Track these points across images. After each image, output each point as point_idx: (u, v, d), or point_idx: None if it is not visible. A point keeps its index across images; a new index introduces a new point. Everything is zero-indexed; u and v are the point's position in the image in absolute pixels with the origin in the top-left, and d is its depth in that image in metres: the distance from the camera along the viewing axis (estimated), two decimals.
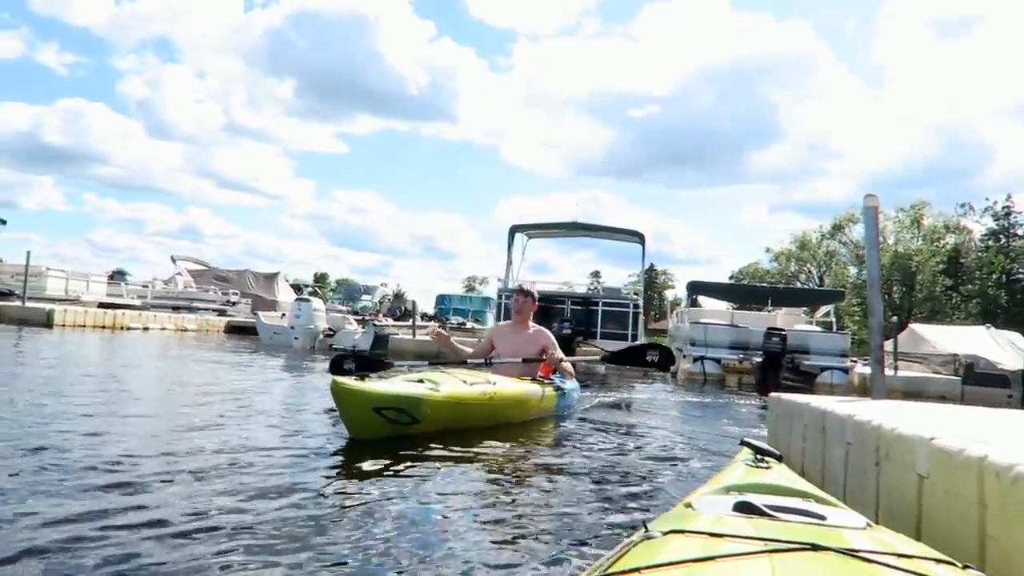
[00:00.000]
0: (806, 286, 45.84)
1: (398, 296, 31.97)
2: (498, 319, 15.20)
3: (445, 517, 2.45)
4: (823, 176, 70.58)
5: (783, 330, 13.02)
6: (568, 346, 13.53)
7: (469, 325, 27.46)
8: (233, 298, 25.45)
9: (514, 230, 16.60)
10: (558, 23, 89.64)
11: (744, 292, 22.47)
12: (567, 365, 5.57)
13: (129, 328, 17.79)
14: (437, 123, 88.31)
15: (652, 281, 59.12)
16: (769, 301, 17.40)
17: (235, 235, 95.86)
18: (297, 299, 15.64)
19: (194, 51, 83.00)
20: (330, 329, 14.89)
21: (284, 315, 18.81)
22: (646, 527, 1.21)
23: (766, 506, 1.35)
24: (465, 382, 4.20)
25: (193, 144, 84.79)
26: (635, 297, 15.45)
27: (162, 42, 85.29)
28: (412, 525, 2.30)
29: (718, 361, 13.34)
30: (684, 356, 14.25)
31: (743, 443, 2.09)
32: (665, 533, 1.15)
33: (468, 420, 4.15)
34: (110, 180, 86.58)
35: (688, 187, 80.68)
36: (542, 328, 5.65)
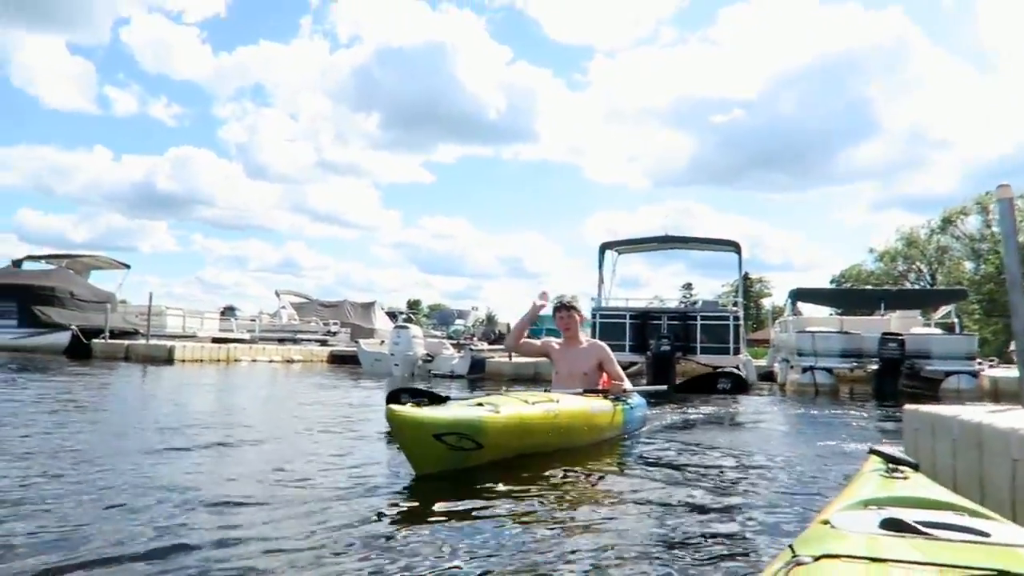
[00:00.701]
0: (917, 285, 43.23)
1: (490, 319, 32.20)
2: (593, 338, 14.99)
3: (537, 555, 2.23)
4: (928, 168, 66.59)
5: (900, 334, 12.26)
6: (667, 363, 13.22)
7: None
8: (334, 328, 26.35)
9: (604, 247, 16.42)
10: (634, 35, 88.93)
11: (853, 296, 21.35)
12: (627, 384, 5.25)
13: (239, 361, 18.68)
14: (517, 145, 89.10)
15: (747, 290, 57.19)
16: (882, 305, 16.44)
17: (329, 266, 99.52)
18: (396, 327, 15.96)
19: (285, 94, 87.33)
20: (428, 355, 15.11)
21: (383, 342, 19.31)
22: (793, 550, 1.12)
23: (917, 522, 1.23)
24: (527, 402, 4.02)
25: (288, 182, 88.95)
26: (734, 309, 14.93)
27: (257, 88, 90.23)
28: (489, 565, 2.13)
29: (830, 371, 12.68)
30: (792, 367, 13.63)
31: (872, 451, 1.94)
32: (817, 558, 1.06)
33: (534, 443, 3.95)
34: (215, 221, 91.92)
35: (780, 191, 77.81)
36: (596, 341, 5.47)
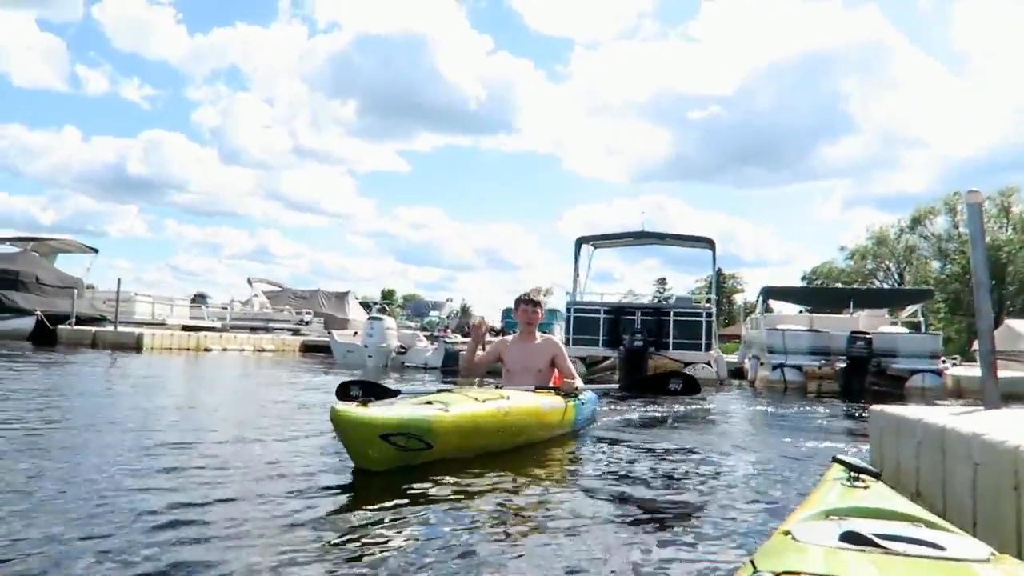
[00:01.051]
0: (885, 284, 44.04)
1: (464, 311, 32.16)
2: (568, 332, 15.07)
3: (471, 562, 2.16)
4: (901, 168, 67.84)
5: (868, 333, 12.48)
6: (640, 358, 13.32)
7: None
8: (307, 317, 26.11)
9: (580, 241, 16.48)
10: (615, 28, 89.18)
11: (823, 295, 21.72)
12: (578, 381, 5.18)
13: (210, 349, 18.44)
14: (497, 136, 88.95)
15: (720, 286, 57.86)
16: (851, 303, 16.72)
17: (304, 255, 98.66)
18: (369, 317, 15.86)
19: (262, 79, 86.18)
20: (402, 347, 15.04)
21: (356, 333, 19.17)
22: (754, 565, 1.15)
23: (874, 534, 1.28)
24: (477, 399, 3.93)
25: (263, 168, 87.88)
26: (707, 305, 15.09)
27: (232, 71, 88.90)
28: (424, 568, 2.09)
29: (799, 368, 12.88)
30: (762, 364, 13.81)
31: (835, 460, 1.99)
32: (779, 574, 1.09)
33: (484, 442, 3.87)
34: (188, 206, 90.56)
35: (756, 187, 78.71)
36: (550, 337, 5.47)
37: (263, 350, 19.86)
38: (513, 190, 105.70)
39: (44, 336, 17.04)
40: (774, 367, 12.91)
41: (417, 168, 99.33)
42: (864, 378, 11.96)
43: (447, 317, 32.90)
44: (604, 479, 3.64)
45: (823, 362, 13.03)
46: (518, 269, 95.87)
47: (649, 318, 14.45)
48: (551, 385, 4.99)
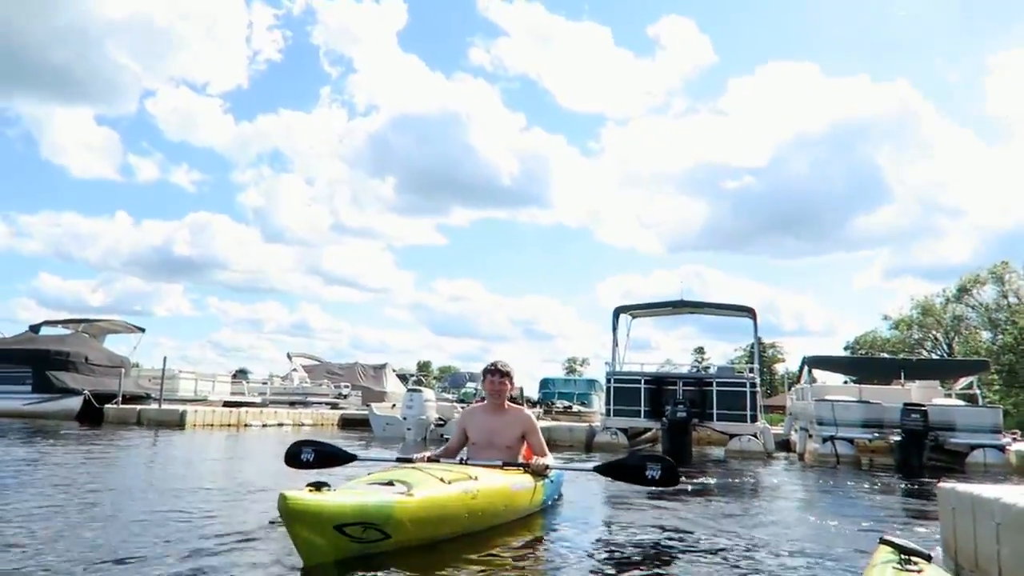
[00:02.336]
0: (934, 354, 42.65)
1: None
2: (608, 403, 14.85)
3: None
4: (941, 236, 66.54)
5: (923, 405, 12.01)
6: (683, 430, 12.99)
7: (575, 408, 27.01)
8: (345, 391, 26.20)
9: (619, 311, 16.41)
10: (645, 104, 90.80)
11: (871, 365, 21.03)
12: (549, 460, 4.74)
13: (250, 425, 18.50)
14: (531, 209, 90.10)
15: (761, 355, 56.69)
16: (902, 374, 16.18)
17: (343, 329, 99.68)
18: (408, 390, 15.83)
19: (304, 160, 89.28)
20: (441, 419, 14.93)
21: (394, 405, 19.13)
22: None
23: None
24: (443, 480, 3.58)
25: (304, 245, 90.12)
26: (751, 375, 14.75)
27: (275, 154, 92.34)
28: None
29: (851, 441, 12.40)
30: (811, 436, 13.35)
31: (883, 541, 1.84)
32: None
33: (448, 528, 3.53)
34: (231, 284, 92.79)
35: (793, 256, 77.87)
36: (521, 408, 5.03)
37: (302, 424, 19.86)
38: (548, 262, 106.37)
39: (91, 415, 17.31)
40: (824, 439, 12.45)
41: (454, 242, 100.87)
42: (922, 453, 11.45)
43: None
44: (586, 566, 3.33)
45: (876, 435, 12.53)
46: (554, 339, 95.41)
47: (692, 388, 14.17)
48: (520, 461, 4.59)
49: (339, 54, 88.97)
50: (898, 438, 11.71)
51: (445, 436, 14.42)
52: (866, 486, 8.16)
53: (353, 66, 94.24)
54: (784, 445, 15.66)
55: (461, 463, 4.26)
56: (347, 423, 20.76)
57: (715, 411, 13.96)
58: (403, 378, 33.21)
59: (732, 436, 13.63)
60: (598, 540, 3.90)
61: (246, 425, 18.36)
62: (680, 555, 3.61)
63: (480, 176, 77.27)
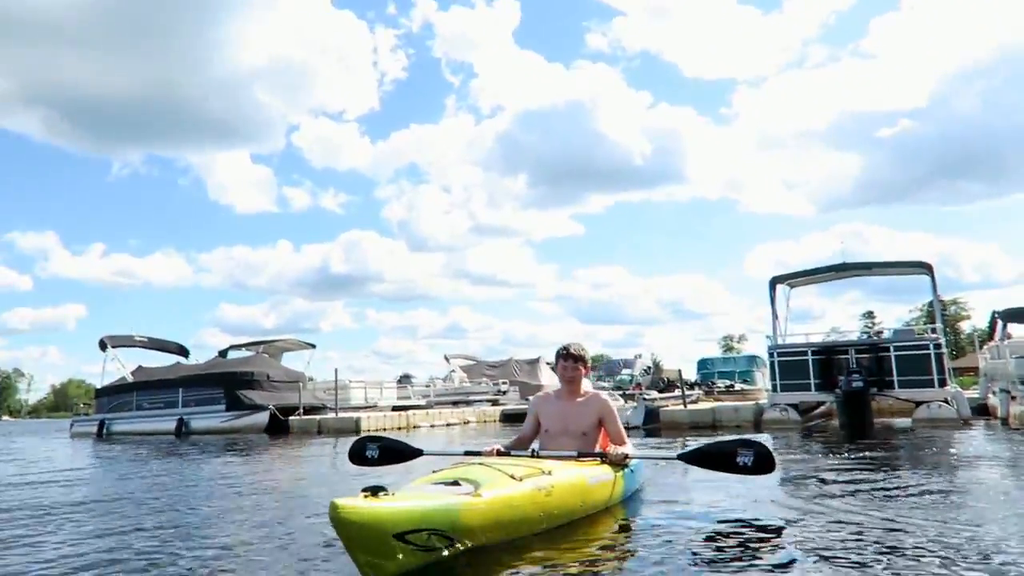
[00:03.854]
0: None
1: (656, 366, 31.44)
2: (773, 379, 14.15)
3: None
4: None
5: None
6: (861, 401, 12.11)
7: (738, 387, 26.05)
8: (503, 387, 26.85)
9: (775, 281, 15.57)
10: (779, 60, 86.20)
11: None
12: (628, 448, 4.37)
13: (418, 427, 19.40)
14: (667, 187, 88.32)
15: (942, 313, 51.87)
16: None
17: (493, 326, 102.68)
18: None
19: (438, 169, 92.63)
20: None
21: None
22: None
23: None
24: (514, 477, 3.30)
25: (447, 251, 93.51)
26: (933, 336, 13.49)
27: (412, 168, 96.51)
28: None
29: None
30: (1014, 398, 12.01)
31: None
32: None
33: (520, 529, 3.22)
34: (385, 295, 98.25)
35: (967, 201, 70.94)
36: (597, 393, 4.61)
37: (467, 422, 20.57)
38: (689, 239, 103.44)
39: (277, 427, 18.86)
40: None
41: (591, 229, 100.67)
42: None
43: (640, 374, 32.31)
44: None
45: None
46: (706, 317, 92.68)
47: (866, 355, 13.20)
48: (597, 451, 4.27)
49: (459, 62, 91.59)
50: None
51: None
52: None
53: (473, 71, 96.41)
54: (981, 410, 14.19)
55: (533, 455, 4.01)
56: (508, 417, 21.24)
57: (896, 378, 12.92)
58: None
59: (919, 404, 12.54)
60: (691, 535, 3.43)
61: (415, 427, 19.27)
62: (805, 555, 2.96)
63: (611, 160, 76.47)
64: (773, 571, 2.68)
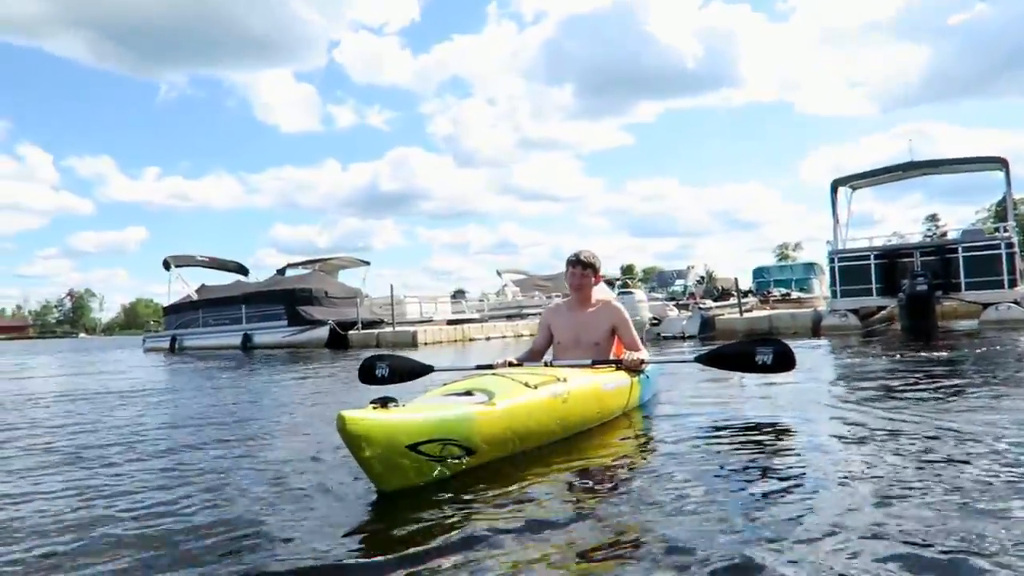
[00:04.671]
0: None
1: (710, 276, 31.09)
2: (833, 284, 13.85)
3: None
4: None
5: None
6: (926, 304, 11.80)
7: (794, 295, 25.64)
8: (556, 300, 27.02)
9: (836, 184, 15.01)
10: None
11: None
12: (643, 354, 4.18)
13: (474, 339, 19.81)
14: (720, 91, 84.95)
15: (1015, 212, 49.37)
16: None
17: (542, 242, 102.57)
18: (619, 292, 15.89)
19: (482, 81, 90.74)
20: (655, 318, 14.87)
21: None
22: None
23: None
24: (528, 385, 3.16)
25: (495, 166, 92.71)
26: (1005, 235, 12.90)
27: (456, 81, 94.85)
28: None
29: None
30: None
31: None
32: None
33: (537, 438, 3.14)
34: (435, 212, 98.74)
35: None
36: (609, 301, 4.40)
37: (520, 335, 20.88)
38: (743, 145, 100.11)
39: (337, 341, 19.49)
40: None
41: (641, 139, 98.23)
42: None
43: (693, 284, 32.08)
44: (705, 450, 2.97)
45: None
46: (759, 227, 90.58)
47: (932, 258, 12.76)
48: (612, 358, 4.13)
49: None
50: None
51: (663, 334, 14.39)
52: None
53: None
54: None
55: (546, 366, 3.85)
56: None
57: (963, 280, 12.48)
58: (609, 283, 33.52)
59: (987, 306, 12.15)
60: (709, 438, 3.32)
61: (471, 339, 19.69)
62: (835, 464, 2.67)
63: (661, 65, 73.48)
64: (790, 478, 2.50)
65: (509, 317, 24.51)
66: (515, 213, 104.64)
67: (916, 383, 5.05)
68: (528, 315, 24.95)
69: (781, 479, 2.49)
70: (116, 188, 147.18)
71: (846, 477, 2.46)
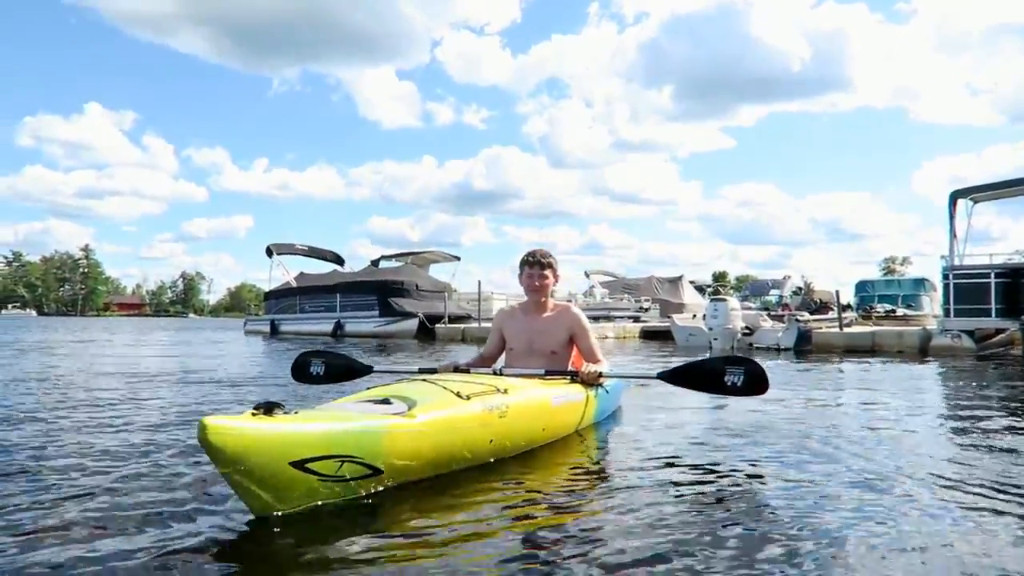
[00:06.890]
0: None
1: (808, 287, 29.85)
2: (947, 302, 12.94)
3: None
4: None
5: None
6: None
7: (900, 312, 24.24)
8: (645, 304, 26.59)
9: (955, 196, 14.01)
10: None
11: None
12: (603, 366, 3.81)
13: None
14: (828, 95, 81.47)
15: None
16: None
17: (631, 245, 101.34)
18: (712, 299, 15.43)
19: (579, 82, 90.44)
20: (747, 328, 14.34)
21: (695, 316, 18.90)
22: None
23: None
24: (460, 395, 2.75)
25: (588, 167, 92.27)
26: None
27: (553, 81, 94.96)
28: None
29: None
30: None
31: None
32: None
33: (465, 456, 2.71)
34: (524, 212, 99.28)
35: None
36: (568, 307, 4.02)
37: (605, 337, 20.60)
38: (850, 153, 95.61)
39: (425, 333, 19.86)
40: None
41: (742, 143, 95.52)
42: None
43: (789, 295, 30.83)
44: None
45: None
46: (864, 239, 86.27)
47: None
48: (569, 369, 3.78)
49: None
50: None
51: (755, 345, 13.86)
52: None
53: None
54: None
55: (495, 374, 3.50)
56: (648, 335, 21.05)
57: None
58: (700, 289, 32.75)
59: None
60: (670, 464, 2.97)
61: None
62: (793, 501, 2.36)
63: (766, 68, 71.10)
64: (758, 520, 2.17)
65: (595, 319, 24.24)
66: (605, 215, 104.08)
67: None
68: (615, 318, 24.65)
69: (746, 530, 2.06)
70: (228, 178, 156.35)
71: (917, 547, 1.93)
